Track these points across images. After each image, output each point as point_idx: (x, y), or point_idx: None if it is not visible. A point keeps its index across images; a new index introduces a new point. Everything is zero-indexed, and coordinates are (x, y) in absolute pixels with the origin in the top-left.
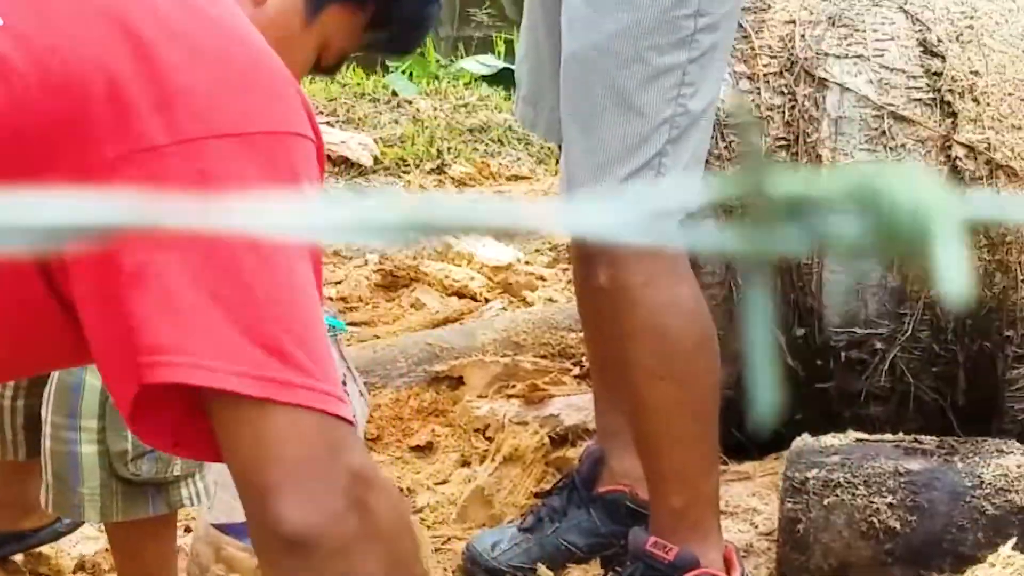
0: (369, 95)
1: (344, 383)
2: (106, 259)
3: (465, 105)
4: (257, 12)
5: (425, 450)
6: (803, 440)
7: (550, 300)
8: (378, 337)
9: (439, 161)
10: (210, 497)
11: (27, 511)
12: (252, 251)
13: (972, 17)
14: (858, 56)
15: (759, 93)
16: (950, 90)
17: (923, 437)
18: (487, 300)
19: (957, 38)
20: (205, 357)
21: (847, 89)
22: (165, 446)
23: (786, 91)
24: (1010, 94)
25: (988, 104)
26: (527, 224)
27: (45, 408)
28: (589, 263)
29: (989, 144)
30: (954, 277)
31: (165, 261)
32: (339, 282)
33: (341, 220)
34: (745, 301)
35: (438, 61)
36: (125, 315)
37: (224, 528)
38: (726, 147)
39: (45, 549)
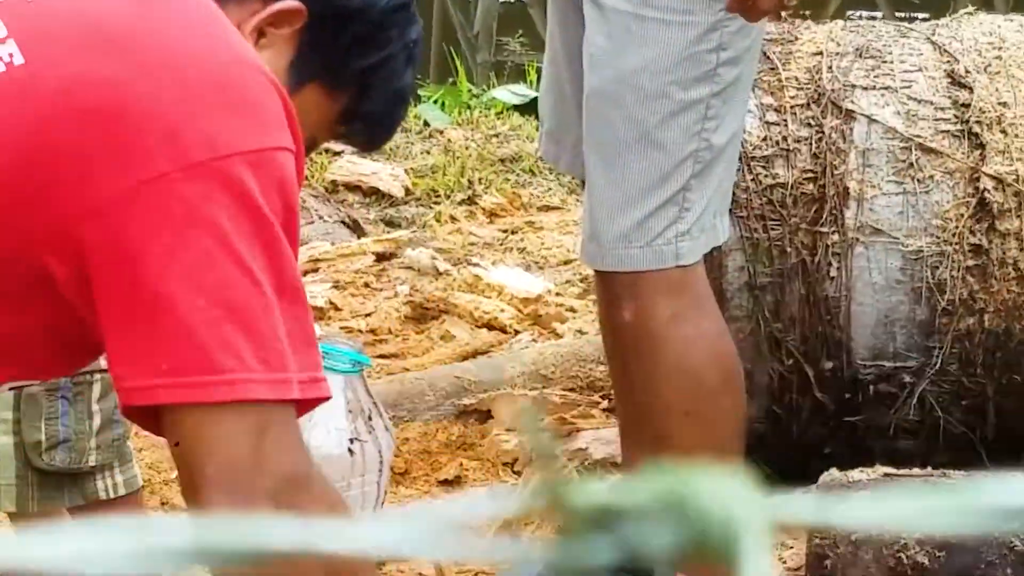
0: (401, 125)
1: (369, 418)
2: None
3: (497, 135)
4: None
5: (453, 484)
6: (831, 475)
7: (580, 332)
8: (407, 370)
9: (470, 192)
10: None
11: None
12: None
13: (1000, 48)
14: (885, 88)
15: (786, 125)
16: (978, 121)
17: (951, 472)
18: (516, 332)
19: (985, 69)
20: (141, 377)
21: (874, 121)
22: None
23: (813, 123)
24: None
25: (1017, 135)
26: (317, 544)
27: None
28: (614, 298)
29: (1018, 176)
30: None
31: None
32: (369, 314)
33: (127, 549)
34: None
35: (470, 91)
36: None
37: None
38: (752, 179)
39: None
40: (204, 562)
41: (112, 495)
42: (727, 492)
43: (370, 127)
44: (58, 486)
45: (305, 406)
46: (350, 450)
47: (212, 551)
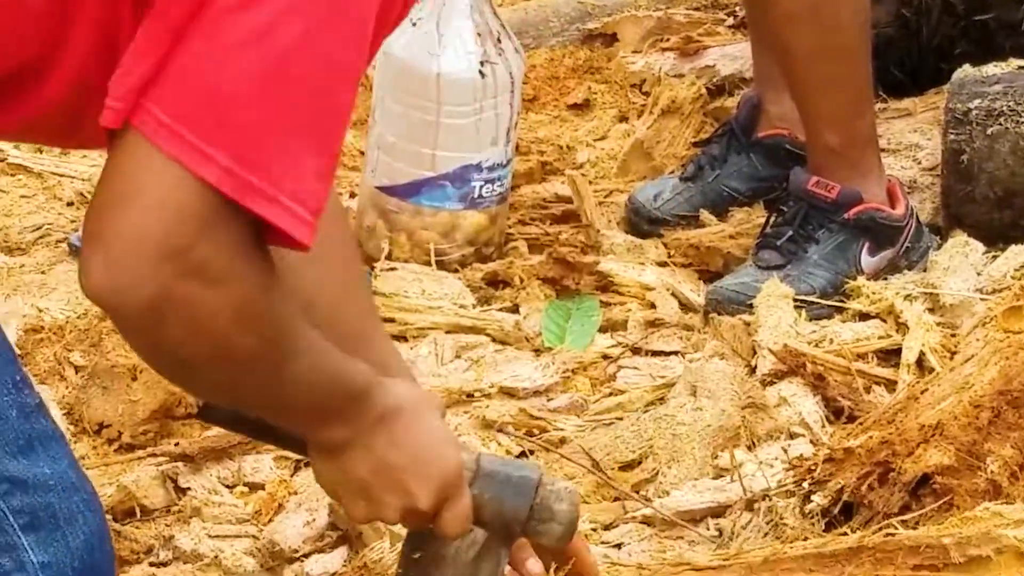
0: None
1: (498, 40)
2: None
3: None
4: None
5: (583, 107)
6: (964, 71)
7: None
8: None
9: None
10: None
11: None
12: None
13: None
14: None
15: None
16: None
17: None
18: None
19: None
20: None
21: None
22: None
23: None
24: None
25: None
26: None
27: None
28: None
29: None
30: None
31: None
32: None
33: None
34: None
35: None
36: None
37: (387, 190)
38: None
39: None
40: None
41: None
42: None
43: None
44: None
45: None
46: (481, 72)
47: None
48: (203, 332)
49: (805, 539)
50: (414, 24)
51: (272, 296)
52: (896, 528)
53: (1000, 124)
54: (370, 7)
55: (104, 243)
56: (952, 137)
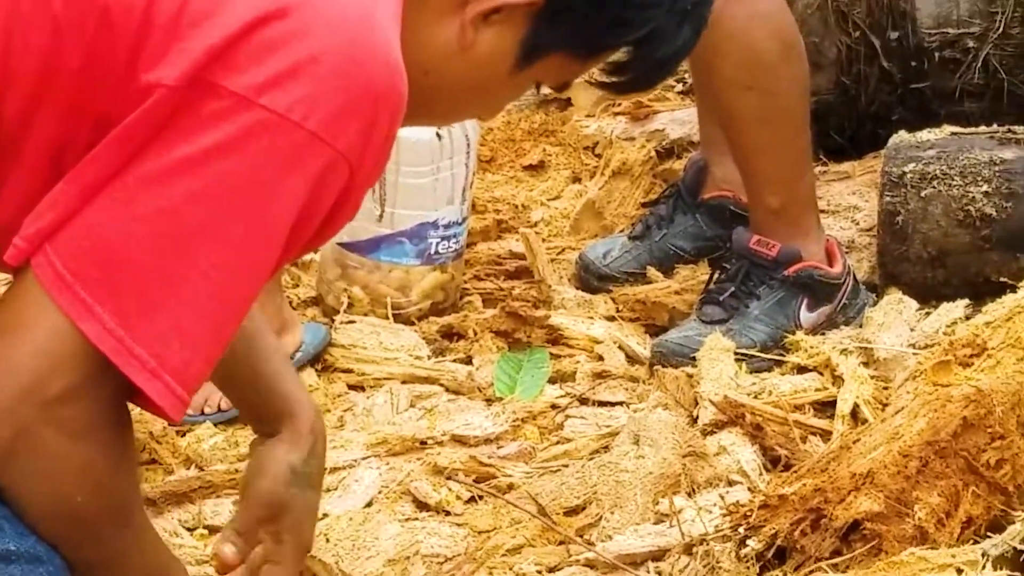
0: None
1: None
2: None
3: None
4: (461, 56)
5: (537, 168)
6: (900, 136)
7: None
8: None
9: None
10: None
11: (282, 331)
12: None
13: None
14: None
15: None
16: None
17: (1016, 127)
18: None
19: None
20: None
21: None
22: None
23: None
24: None
25: None
26: None
27: None
28: None
29: None
30: None
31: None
32: None
33: None
34: None
35: None
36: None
37: (348, 246)
38: None
39: None
40: None
41: None
42: None
43: (629, 85)
44: None
45: (147, 405)
46: (438, 135)
47: None
48: (46, 480)
49: None
50: None
51: (120, 463)
52: (827, 572)
53: (933, 187)
54: (289, 206)
55: None
56: (888, 199)
